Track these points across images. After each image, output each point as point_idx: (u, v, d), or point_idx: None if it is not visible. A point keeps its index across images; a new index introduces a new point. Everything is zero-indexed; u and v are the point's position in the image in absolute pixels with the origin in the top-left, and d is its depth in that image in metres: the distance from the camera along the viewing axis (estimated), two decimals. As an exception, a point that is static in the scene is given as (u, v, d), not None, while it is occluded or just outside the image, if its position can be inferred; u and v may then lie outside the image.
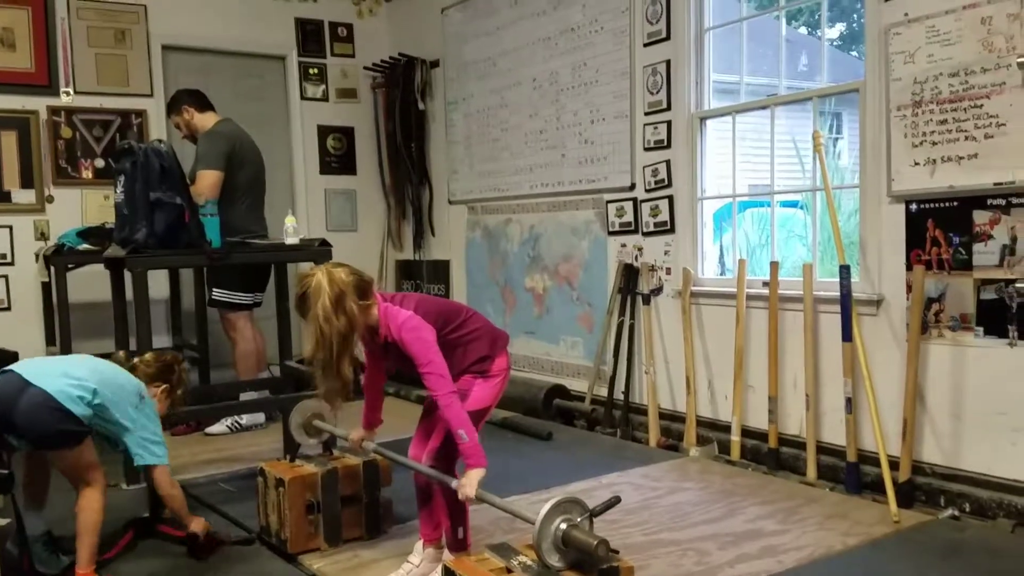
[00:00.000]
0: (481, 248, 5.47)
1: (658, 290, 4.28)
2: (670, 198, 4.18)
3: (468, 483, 2.23)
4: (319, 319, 2.26)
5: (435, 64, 5.72)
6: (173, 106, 4.53)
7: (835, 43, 10.49)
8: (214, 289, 4.42)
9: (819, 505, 3.14)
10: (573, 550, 2.00)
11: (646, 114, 4.26)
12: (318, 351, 2.29)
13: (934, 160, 3.08)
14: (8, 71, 4.91)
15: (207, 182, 4.15)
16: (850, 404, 3.33)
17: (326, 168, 5.97)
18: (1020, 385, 2.91)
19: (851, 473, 3.31)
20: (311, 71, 5.88)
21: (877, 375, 3.28)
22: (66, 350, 4.29)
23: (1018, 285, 2.90)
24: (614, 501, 2.16)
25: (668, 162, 4.17)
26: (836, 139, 8.44)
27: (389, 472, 2.89)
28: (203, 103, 4.48)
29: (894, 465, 3.14)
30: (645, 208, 4.31)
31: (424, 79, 5.76)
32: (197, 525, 2.82)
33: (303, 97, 5.85)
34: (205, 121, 4.44)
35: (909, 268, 3.20)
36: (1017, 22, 2.85)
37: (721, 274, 4.23)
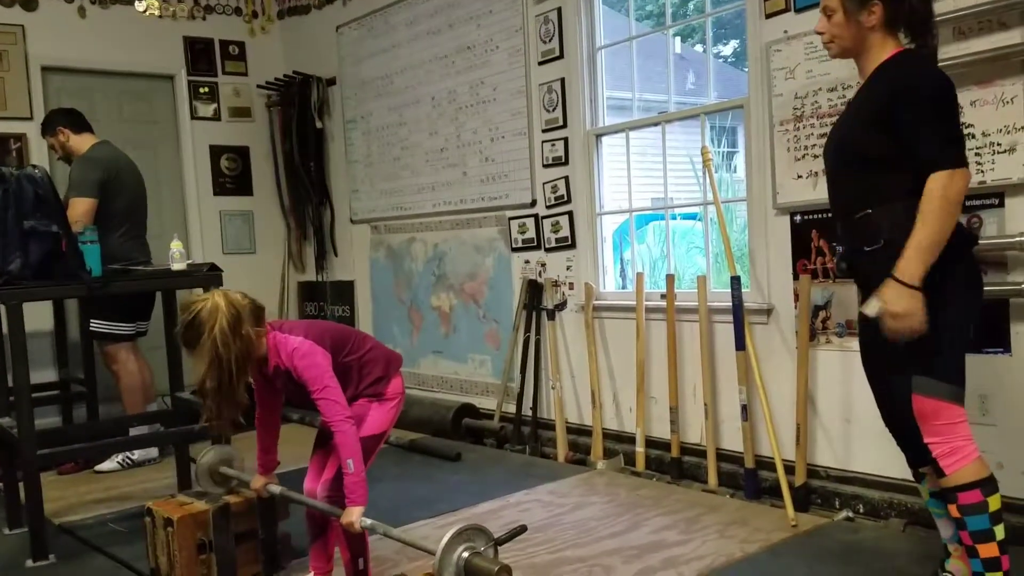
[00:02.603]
0: (386, 268, 5.40)
1: (562, 305, 4.30)
2: (570, 214, 4.21)
3: (349, 520, 2.21)
4: (216, 342, 2.16)
5: (331, 82, 5.64)
6: (47, 127, 4.31)
7: (729, 60, 10.85)
8: (92, 320, 4.21)
9: (720, 513, 3.20)
10: (476, 579, 1.96)
11: (543, 131, 4.30)
12: (210, 377, 2.19)
13: (816, 172, 3.20)
14: None
15: (80, 210, 3.96)
16: (746, 411, 3.41)
17: (220, 189, 5.79)
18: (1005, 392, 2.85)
19: (749, 479, 3.38)
20: (201, 90, 5.70)
21: (770, 382, 3.37)
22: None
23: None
24: (520, 530, 2.14)
25: (567, 178, 4.20)
26: (733, 152, 8.71)
27: (286, 505, 2.79)
28: (79, 124, 4.28)
29: (790, 470, 3.23)
30: (547, 224, 4.33)
31: (321, 97, 5.66)
32: None
33: (194, 116, 5.67)
34: (81, 144, 4.24)
35: (796, 277, 3.31)
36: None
37: (623, 288, 4.28)
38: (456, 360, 4.93)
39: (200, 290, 2.31)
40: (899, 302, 1.99)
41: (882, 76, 2.12)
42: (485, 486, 3.66)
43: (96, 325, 4.19)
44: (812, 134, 3.21)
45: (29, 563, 3.00)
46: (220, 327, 2.17)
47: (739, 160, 8.23)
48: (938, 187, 1.98)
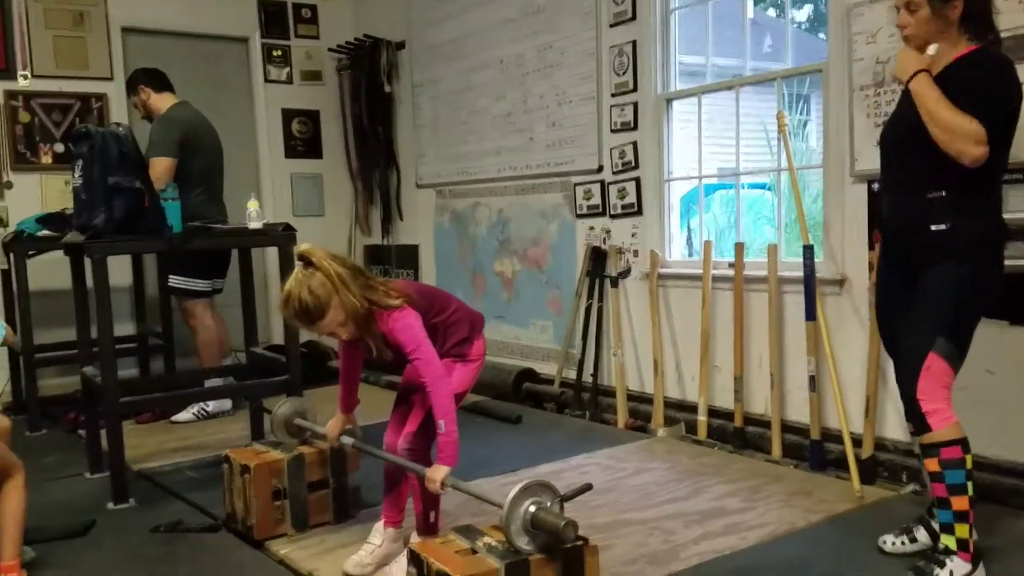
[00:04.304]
0: (450, 232, 5.45)
1: (626, 273, 4.29)
2: (637, 180, 4.18)
3: (435, 477, 2.24)
4: (342, 301, 2.24)
5: (400, 46, 5.67)
6: (130, 86, 4.44)
7: (802, 26, 10.55)
8: (171, 276, 4.35)
9: (783, 483, 3.18)
10: (542, 533, 2.00)
11: (612, 96, 4.26)
12: (352, 322, 2.29)
13: (895, 140, 3.11)
14: (-39, 54, 4.79)
15: (159, 168, 4.06)
16: (814, 383, 3.37)
17: (291, 152, 5.90)
18: (978, 362, 2.95)
19: (815, 451, 3.35)
20: (275, 53, 5.80)
21: (840, 354, 3.32)
22: (27, 338, 4.23)
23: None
24: (586, 487, 2.18)
25: (635, 144, 4.17)
26: (805, 121, 8.51)
27: (356, 457, 2.87)
28: (160, 83, 4.38)
29: (857, 442, 3.18)
30: (612, 190, 4.31)
31: (390, 61, 5.70)
32: None
33: (267, 80, 5.77)
34: (161, 103, 4.34)
35: (871, 247, 3.23)
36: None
37: (688, 256, 4.25)
38: (518, 325, 4.97)
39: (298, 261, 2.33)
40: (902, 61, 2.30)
41: (958, 71, 2.25)
42: (545, 449, 3.70)
43: (175, 281, 4.33)
44: (893, 100, 3.10)
45: (110, 505, 3.14)
46: (337, 273, 2.23)
47: (812, 128, 8.04)
48: (965, 122, 2.16)
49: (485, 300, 5.16)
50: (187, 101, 4.43)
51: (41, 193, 5.00)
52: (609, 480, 3.26)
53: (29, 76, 4.97)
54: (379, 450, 2.54)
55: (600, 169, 4.37)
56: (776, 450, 3.50)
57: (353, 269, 2.31)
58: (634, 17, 4.09)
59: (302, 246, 2.31)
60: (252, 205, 3.60)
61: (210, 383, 4.11)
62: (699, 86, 4.05)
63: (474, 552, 2.02)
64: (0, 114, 4.89)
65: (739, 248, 3.70)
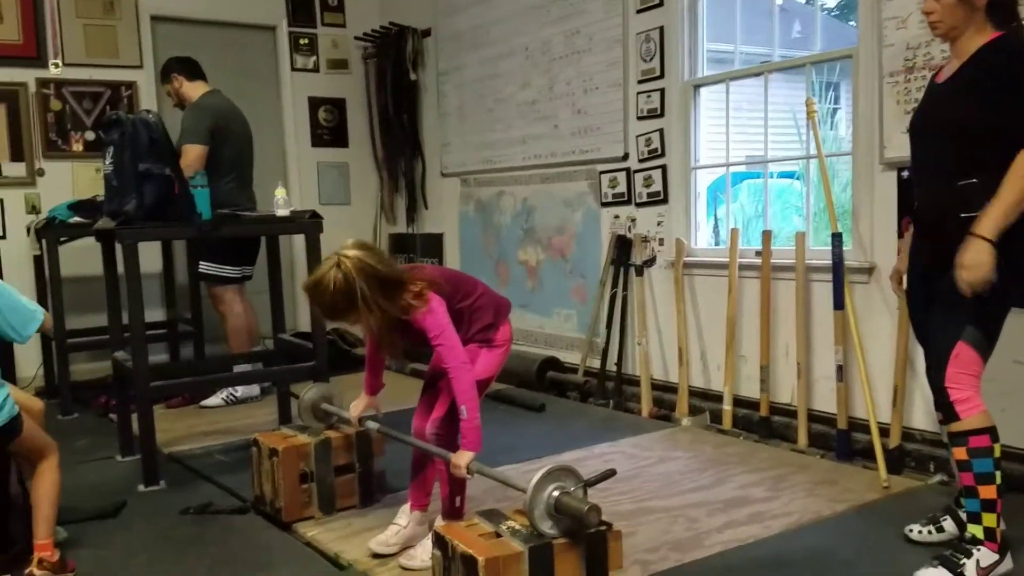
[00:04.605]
0: (474, 221, 5.46)
1: (651, 261, 4.28)
2: (663, 168, 4.16)
3: (459, 463, 2.26)
4: (367, 301, 2.24)
5: (426, 33, 5.67)
6: (164, 74, 4.49)
7: (832, 12, 10.39)
8: (200, 262, 4.40)
9: (809, 472, 3.16)
10: (565, 517, 2.01)
11: (639, 82, 4.23)
12: (374, 321, 2.30)
13: (926, 127, 3.06)
14: (-5, 43, 4.86)
15: (191, 155, 4.11)
16: (841, 372, 3.34)
17: (318, 141, 5.94)
18: (1007, 352, 2.91)
19: (841, 440, 3.33)
20: (301, 41, 5.83)
21: (868, 343, 3.29)
22: (59, 324, 4.29)
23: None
24: (610, 473, 2.18)
25: (661, 131, 4.14)
26: (835, 109, 8.40)
27: (382, 442, 2.90)
28: (193, 72, 4.43)
29: (884, 432, 3.16)
30: (638, 178, 4.29)
31: (415, 49, 5.70)
32: None
33: (294, 68, 5.81)
34: (193, 91, 4.39)
35: (900, 235, 3.20)
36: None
37: (715, 245, 4.22)
38: (541, 314, 4.97)
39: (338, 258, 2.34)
40: (973, 254, 2.18)
41: (986, 57, 2.25)
42: (568, 437, 3.71)
43: (205, 267, 4.38)
44: (923, 87, 3.07)
45: (141, 488, 3.20)
46: (363, 290, 2.22)
47: (840, 116, 7.94)
48: (1021, 162, 2.17)
49: (509, 289, 5.16)
50: (219, 89, 4.46)
51: (72, 180, 5.08)
52: (633, 468, 3.26)
53: (60, 64, 5.04)
54: (405, 435, 2.56)
55: (626, 157, 4.36)
56: (802, 439, 3.48)
57: (384, 279, 2.26)
58: (661, 3, 4.07)
59: (343, 252, 2.26)
60: (279, 193, 3.63)
61: (239, 369, 4.16)
62: (727, 72, 4.02)
63: (498, 535, 2.03)
64: (32, 102, 4.97)
65: (766, 236, 3.67)
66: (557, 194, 4.81)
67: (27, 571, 2.36)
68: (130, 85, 5.23)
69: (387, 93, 5.80)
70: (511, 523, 2.08)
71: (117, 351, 3.57)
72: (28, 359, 4.78)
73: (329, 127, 5.98)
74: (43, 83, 4.99)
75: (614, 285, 4.40)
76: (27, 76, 4.94)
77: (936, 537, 2.50)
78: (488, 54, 5.18)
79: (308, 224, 3.57)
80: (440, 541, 2.06)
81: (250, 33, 5.71)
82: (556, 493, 2.02)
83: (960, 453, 2.28)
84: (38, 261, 4.61)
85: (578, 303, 4.74)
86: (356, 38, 5.93)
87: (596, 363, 4.47)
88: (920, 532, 2.52)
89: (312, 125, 5.91)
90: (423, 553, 2.37)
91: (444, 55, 5.55)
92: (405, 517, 2.57)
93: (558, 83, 4.71)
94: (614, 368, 4.38)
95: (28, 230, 4.67)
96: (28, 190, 4.98)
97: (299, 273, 5.50)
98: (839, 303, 3.31)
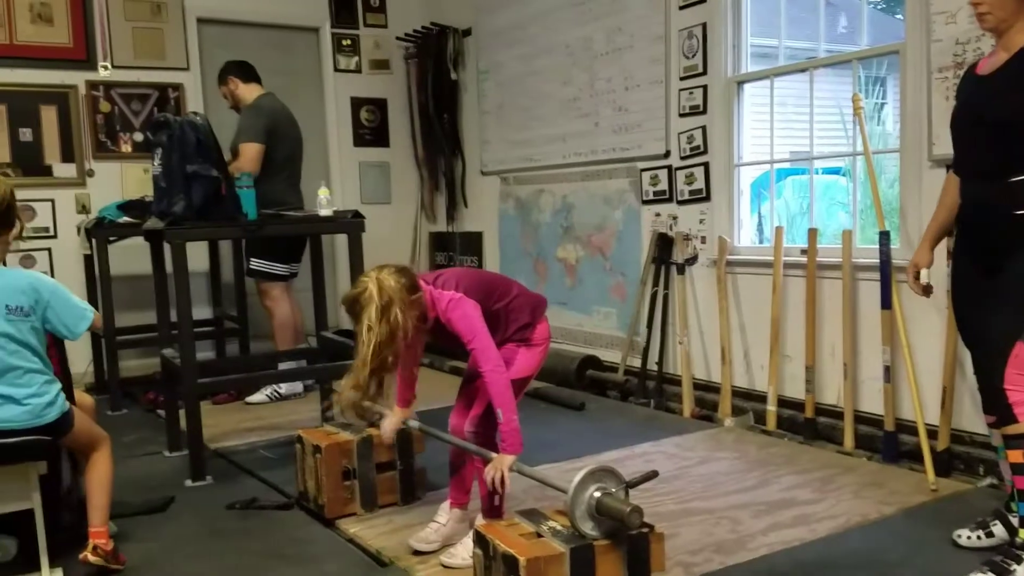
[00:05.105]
0: (513, 219, 5.46)
1: (693, 259, 4.24)
2: (706, 165, 4.12)
3: (499, 467, 2.25)
4: (363, 326, 2.27)
5: (467, 33, 5.69)
6: (221, 77, 4.61)
7: (878, 6, 10.19)
8: (251, 259, 4.47)
9: (855, 474, 3.11)
10: (607, 518, 2.00)
11: (681, 79, 4.20)
12: (362, 348, 2.30)
13: (978, 123, 2.99)
14: (47, 46, 4.97)
15: (250, 154, 4.22)
16: (888, 373, 3.28)
17: (360, 141, 5.99)
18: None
19: (888, 442, 3.27)
20: (344, 42, 5.88)
21: (916, 343, 3.22)
22: (108, 321, 4.39)
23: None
24: (652, 475, 2.17)
25: (704, 128, 4.10)
26: (881, 104, 8.24)
27: (422, 440, 2.92)
28: (248, 75, 4.54)
29: (932, 434, 3.10)
30: (680, 176, 4.26)
31: (456, 48, 5.72)
32: None
33: (336, 69, 5.86)
34: (248, 93, 4.49)
35: (950, 234, 3.12)
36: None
37: (758, 243, 4.17)
38: (581, 312, 4.96)
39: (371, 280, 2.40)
40: None
41: None
42: (609, 436, 3.69)
43: (256, 263, 4.46)
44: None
45: (188, 483, 3.26)
46: (368, 315, 2.26)
47: (887, 112, 7.78)
48: None
49: (548, 287, 5.16)
50: (272, 92, 4.56)
51: (121, 181, 5.18)
52: (675, 469, 3.24)
53: (109, 67, 5.15)
54: (444, 433, 2.57)
55: (667, 154, 4.32)
56: (848, 441, 3.42)
57: (410, 304, 2.30)
58: (704, -1, 4.03)
59: (377, 284, 2.30)
60: (323, 192, 3.67)
61: (283, 366, 4.22)
62: (771, 68, 3.96)
63: (539, 536, 2.04)
64: (82, 104, 5.08)
65: (812, 233, 3.62)
66: (597, 192, 4.79)
67: (81, 555, 2.42)
68: (177, 87, 5.33)
69: (428, 92, 5.83)
70: (552, 523, 2.08)
71: (165, 348, 3.65)
72: (78, 356, 4.89)
73: (371, 127, 6.03)
74: (92, 85, 5.10)
75: (655, 283, 4.37)
76: (77, 79, 5.06)
77: (985, 542, 2.44)
78: (528, 51, 5.17)
79: (350, 223, 3.61)
80: (481, 540, 2.07)
81: (294, 34, 5.77)
82: (598, 494, 2.02)
83: (1015, 456, 2.23)
84: (88, 260, 4.72)
85: (618, 301, 4.71)
86: (398, 38, 5.97)
87: (636, 362, 4.44)
88: (968, 537, 2.47)
89: (354, 125, 5.96)
90: (464, 551, 2.38)
91: (484, 53, 5.55)
92: (445, 515, 2.58)
93: (599, 80, 4.69)
94: (655, 367, 4.36)
95: (78, 230, 4.78)
96: (78, 190, 5.09)
97: (340, 272, 5.56)
98: (886, 302, 3.25)
